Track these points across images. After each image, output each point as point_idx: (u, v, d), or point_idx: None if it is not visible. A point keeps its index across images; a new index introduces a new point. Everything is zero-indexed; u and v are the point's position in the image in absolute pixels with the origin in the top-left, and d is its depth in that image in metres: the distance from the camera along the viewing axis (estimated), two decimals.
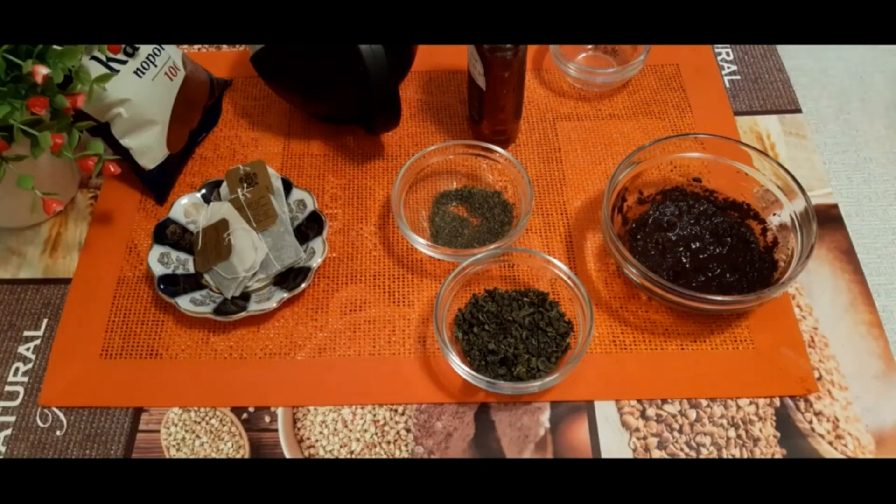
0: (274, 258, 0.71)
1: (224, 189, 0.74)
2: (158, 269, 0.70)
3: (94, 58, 0.69)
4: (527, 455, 0.63)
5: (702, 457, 0.63)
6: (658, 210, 0.74)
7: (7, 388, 0.68)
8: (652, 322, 0.70)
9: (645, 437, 0.64)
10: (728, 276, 0.69)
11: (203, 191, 0.76)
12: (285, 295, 0.68)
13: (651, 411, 0.65)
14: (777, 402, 0.65)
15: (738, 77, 0.89)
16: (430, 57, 0.89)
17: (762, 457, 0.63)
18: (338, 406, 0.66)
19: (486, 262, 0.69)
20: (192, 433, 0.65)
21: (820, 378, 0.66)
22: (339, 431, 0.65)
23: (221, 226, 0.71)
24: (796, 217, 0.68)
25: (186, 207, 0.75)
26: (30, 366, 0.69)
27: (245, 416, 0.66)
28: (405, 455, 0.63)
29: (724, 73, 0.89)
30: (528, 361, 0.64)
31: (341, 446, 0.64)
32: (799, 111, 0.85)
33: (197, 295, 0.70)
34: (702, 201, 0.74)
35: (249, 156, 0.83)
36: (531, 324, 0.67)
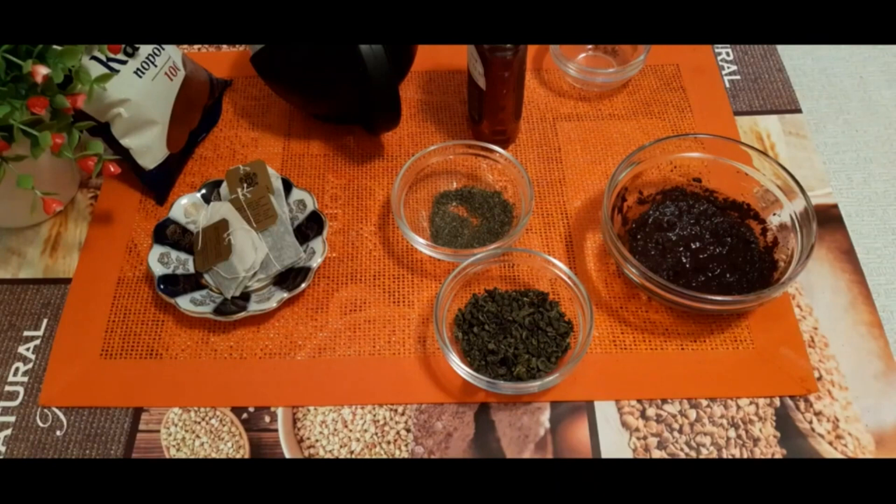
0: (274, 258, 0.71)
1: (224, 189, 0.74)
2: (158, 269, 0.70)
3: (94, 58, 0.69)
4: (527, 455, 0.63)
5: (702, 457, 0.63)
6: (658, 210, 0.74)
7: (7, 388, 0.68)
8: (652, 322, 0.70)
9: (645, 437, 0.64)
10: (728, 276, 0.69)
11: (203, 191, 0.76)
12: (285, 295, 0.68)
13: (651, 411, 0.65)
14: (777, 402, 0.65)
15: (738, 77, 0.89)
16: (430, 57, 0.89)
17: (762, 457, 0.63)
18: (338, 406, 0.66)
19: (486, 262, 0.69)
20: (192, 433, 0.65)
21: (820, 378, 0.66)
22: (339, 431, 0.65)
23: (221, 226, 0.71)
24: (796, 217, 0.68)
25: (186, 207, 0.75)
26: (30, 366, 0.69)
27: (245, 416, 0.66)
28: (405, 455, 0.63)
29: (724, 73, 0.89)
30: (528, 361, 0.64)
31: (341, 446, 0.64)
32: (799, 111, 0.85)
33: (197, 295, 0.70)
34: (702, 201, 0.74)
35: (249, 156, 0.83)
36: (531, 324, 0.67)
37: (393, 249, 0.75)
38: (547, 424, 0.65)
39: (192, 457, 0.64)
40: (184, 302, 0.68)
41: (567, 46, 0.88)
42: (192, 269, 0.72)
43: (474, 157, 0.77)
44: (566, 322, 0.67)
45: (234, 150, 0.83)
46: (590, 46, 0.90)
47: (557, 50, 0.85)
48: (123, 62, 0.71)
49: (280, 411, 0.66)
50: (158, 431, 0.65)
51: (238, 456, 0.64)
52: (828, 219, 0.76)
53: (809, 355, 0.67)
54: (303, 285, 0.69)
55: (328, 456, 0.64)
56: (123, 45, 0.71)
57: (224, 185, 0.74)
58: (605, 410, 0.65)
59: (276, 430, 0.65)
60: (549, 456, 0.63)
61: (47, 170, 0.73)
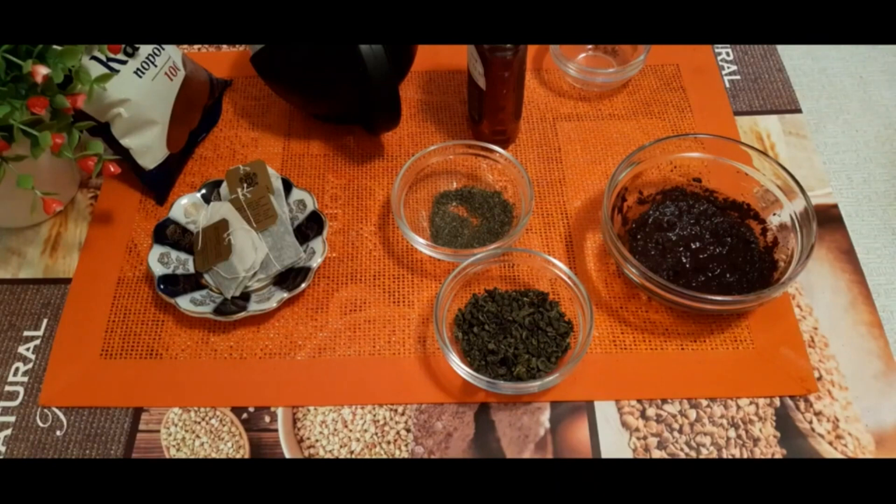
0: (274, 258, 0.71)
1: (224, 189, 0.74)
2: (158, 269, 0.70)
3: (94, 58, 0.69)
4: (527, 455, 0.63)
5: (702, 457, 0.63)
6: (658, 210, 0.74)
7: (7, 388, 0.68)
8: (652, 322, 0.70)
9: (645, 437, 0.64)
10: (728, 276, 0.69)
11: (203, 191, 0.76)
12: (285, 295, 0.68)
13: (651, 411, 0.65)
14: (777, 402, 0.65)
15: (738, 77, 0.89)
16: (430, 57, 0.89)
17: (762, 457, 0.63)
18: (338, 406, 0.66)
19: (486, 262, 0.69)
20: (192, 433, 0.65)
21: (820, 378, 0.66)
22: (339, 431, 0.65)
23: (221, 226, 0.71)
24: (796, 217, 0.68)
25: (186, 207, 0.75)
26: (30, 366, 0.69)
27: (245, 416, 0.66)
28: (405, 455, 0.63)
29: (724, 73, 0.89)
30: (528, 361, 0.64)
31: (341, 446, 0.64)
32: (799, 111, 0.85)
33: (197, 295, 0.70)
34: (702, 201, 0.74)
35: (249, 156, 0.83)
36: (531, 324, 0.67)
37: (393, 249, 0.75)
38: (547, 424, 0.65)
39: (192, 457, 0.64)
40: (184, 302, 0.68)
41: (567, 46, 0.88)
42: (192, 269, 0.72)
43: (474, 157, 0.77)
44: (566, 322, 0.67)
45: (234, 150, 0.83)
46: (590, 46, 0.90)
47: (557, 50, 0.85)
48: (123, 62, 0.71)
49: (280, 411, 0.66)
50: (158, 431, 0.65)
51: (238, 456, 0.64)
52: (828, 219, 0.76)
53: (809, 355, 0.67)
54: (303, 285, 0.69)
55: (328, 456, 0.64)
56: (123, 45, 0.71)
57: (224, 185, 0.74)
58: (605, 410, 0.65)
59: (276, 430, 0.65)
60: (549, 456, 0.63)
61: (47, 170, 0.73)
